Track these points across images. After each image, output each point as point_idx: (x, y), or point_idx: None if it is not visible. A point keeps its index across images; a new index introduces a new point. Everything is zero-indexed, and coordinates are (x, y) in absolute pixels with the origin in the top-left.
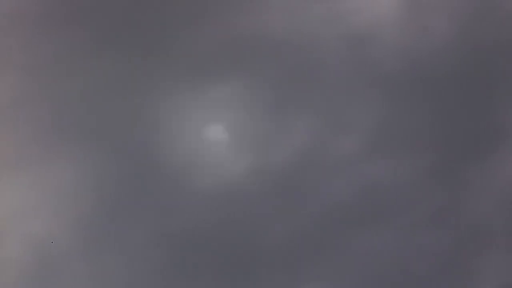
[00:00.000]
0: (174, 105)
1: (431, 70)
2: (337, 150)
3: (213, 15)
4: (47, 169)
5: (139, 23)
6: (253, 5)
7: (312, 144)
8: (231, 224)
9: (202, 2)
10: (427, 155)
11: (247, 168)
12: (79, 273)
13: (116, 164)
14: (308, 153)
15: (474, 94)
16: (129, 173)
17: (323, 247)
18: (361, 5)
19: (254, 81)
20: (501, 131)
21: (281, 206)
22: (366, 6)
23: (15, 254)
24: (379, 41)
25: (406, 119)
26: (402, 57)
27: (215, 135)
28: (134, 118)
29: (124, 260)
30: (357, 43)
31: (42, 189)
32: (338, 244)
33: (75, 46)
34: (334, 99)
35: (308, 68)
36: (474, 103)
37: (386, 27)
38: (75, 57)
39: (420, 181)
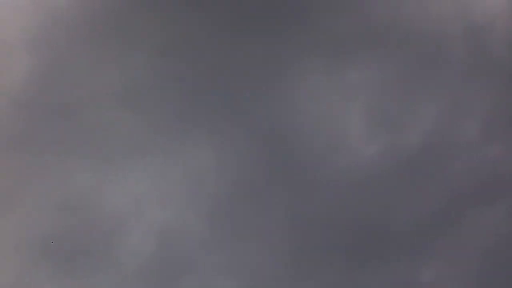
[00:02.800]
0: (312, 88)
1: None
2: (459, 133)
3: (353, 2)
4: (177, 155)
5: (277, 5)
6: None
7: (437, 128)
8: (364, 204)
9: None
10: None
11: (381, 150)
12: (210, 262)
13: (251, 148)
14: (434, 136)
15: None
16: (264, 157)
17: (446, 227)
18: None
19: (387, 66)
20: None
21: (410, 186)
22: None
23: (140, 244)
24: (495, 32)
25: None
26: None
27: (351, 117)
28: (270, 101)
29: (259, 247)
30: (476, 33)
31: (171, 176)
32: (460, 224)
33: (207, 26)
34: (456, 85)
35: (434, 55)
36: None
37: (501, 19)
38: (207, 38)
39: None
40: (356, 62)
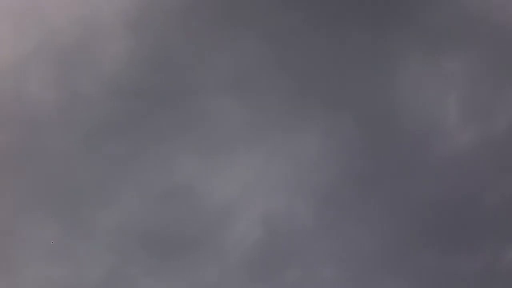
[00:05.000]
0: (412, 78)
1: None
2: None
3: None
4: (283, 143)
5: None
6: None
7: None
8: (459, 187)
9: None
10: None
11: (474, 136)
12: (315, 250)
13: (356, 136)
14: None
15: None
16: (369, 145)
17: None
18: None
19: (479, 57)
20: None
21: (499, 170)
22: None
23: (246, 233)
24: None
25: None
26: None
27: (447, 105)
28: (374, 91)
29: (363, 234)
30: None
31: (277, 164)
32: None
33: (317, 17)
34: None
35: None
36: None
37: None
38: (316, 29)
39: None
40: (451, 53)
